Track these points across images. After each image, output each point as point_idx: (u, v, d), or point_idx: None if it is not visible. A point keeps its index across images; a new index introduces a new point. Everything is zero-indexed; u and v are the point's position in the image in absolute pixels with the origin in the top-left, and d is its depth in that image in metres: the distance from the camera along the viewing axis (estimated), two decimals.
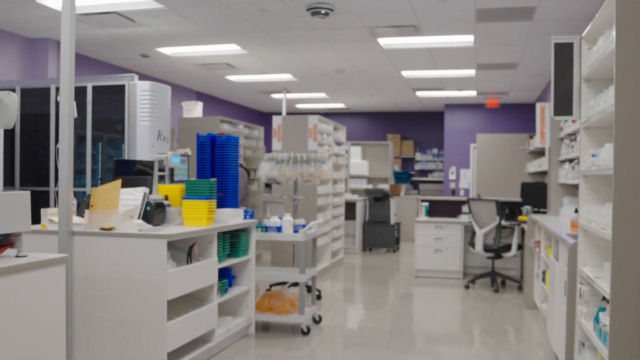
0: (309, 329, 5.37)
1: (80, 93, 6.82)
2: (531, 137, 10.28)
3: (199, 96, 13.05)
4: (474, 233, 7.87)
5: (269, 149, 12.50)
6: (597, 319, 3.06)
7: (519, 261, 8.60)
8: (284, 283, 6.85)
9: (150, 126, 6.58)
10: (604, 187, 3.40)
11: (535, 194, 8.18)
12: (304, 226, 5.51)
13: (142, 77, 9.74)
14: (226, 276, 4.96)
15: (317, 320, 5.77)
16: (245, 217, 5.28)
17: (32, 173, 7.02)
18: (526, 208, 8.03)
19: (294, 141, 8.29)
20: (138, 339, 3.89)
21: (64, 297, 2.95)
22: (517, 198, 9.22)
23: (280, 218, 5.52)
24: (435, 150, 16.39)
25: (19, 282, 2.70)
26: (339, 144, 9.81)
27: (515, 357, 4.91)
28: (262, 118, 16.49)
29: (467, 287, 7.84)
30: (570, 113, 3.59)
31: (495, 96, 13.28)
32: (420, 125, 16.54)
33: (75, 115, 4.19)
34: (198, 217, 4.49)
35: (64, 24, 4.01)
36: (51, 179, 6.88)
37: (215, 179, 4.89)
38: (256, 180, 9.90)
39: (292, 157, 6.55)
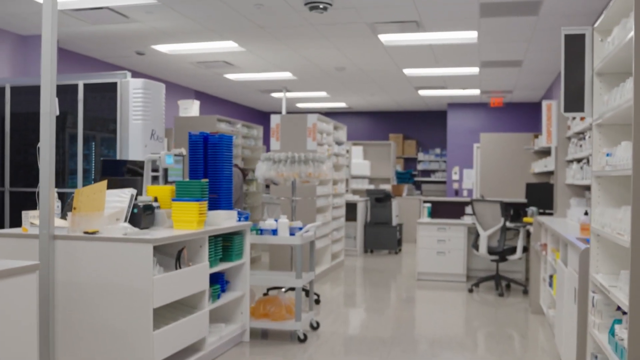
0: (305, 336, 5.15)
1: (71, 91, 6.63)
2: (536, 137, 10.05)
3: (198, 95, 12.85)
4: (477, 235, 7.64)
5: (269, 148, 12.28)
6: (612, 332, 2.84)
7: (524, 264, 8.37)
8: (281, 287, 6.63)
9: (143, 125, 6.37)
10: (620, 189, 3.17)
11: (541, 195, 7.95)
12: (300, 229, 5.29)
13: (139, 75, 9.55)
14: (219, 281, 4.74)
15: (314, 327, 5.55)
16: (239, 220, 5.06)
17: (23, 173, 6.81)
18: (531, 209, 7.81)
19: (292, 141, 8.07)
20: (123, 349, 3.67)
21: (35, 307, 2.73)
22: (522, 199, 8.99)
23: (276, 220, 5.30)
24: (438, 150, 16.17)
25: None
26: (339, 143, 9.59)
27: None
28: (263, 118, 16.27)
29: (470, 290, 7.61)
30: (581, 109, 3.36)
31: (499, 95, 13.05)
32: (422, 125, 16.31)
33: (57, 113, 3.98)
34: (188, 220, 4.27)
35: (45, 16, 3.80)
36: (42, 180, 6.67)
37: (207, 180, 4.67)
38: (255, 180, 9.68)
39: (290, 157, 6.34)
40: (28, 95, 6.74)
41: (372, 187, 13.01)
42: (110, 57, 9.35)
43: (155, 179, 6.16)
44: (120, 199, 4.25)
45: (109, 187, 4.32)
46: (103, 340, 3.70)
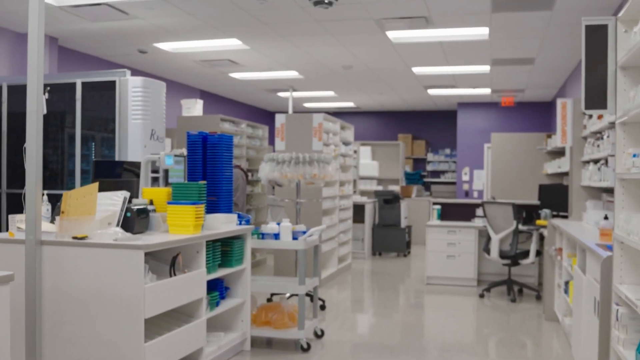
0: (309, 346, 4.92)
1: (69, 90, 6.45)
2: (549, 137, 9.76)
3: (203, 95, 12.65)
4: (489, 238, 7.39)
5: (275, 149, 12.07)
6: None
7: (537, 268, 8.11)
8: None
9: (142, 125, 6.18)
10: None
11: (555, 197, 7.68)
12: (304, 232, 5.06)
13: (143, 74, 9.36)
14: (217, 288, 4.52)
15: (319, 335, 5.32)
16: (240, 223, 4.84)
17: (20, 174, 6.61)
18: (544, 212, 7.55)
19: (298, 141, 7.84)
20: None
21: (7, 321, 2.52)
22: (535, 201, 8.72)
23: (279, 224, 5.07)
24: (447, 151, 15.90)
25: None
26: (346, 143, 9.35)
27: None
28: (270, 118, 16.04)
29: (481, 295, 7.35)
30: (603, 106, 3.11)
31: (510, 94, 12.76)
32: (432, 125, 16.04)
33: (45, 112, 3.77)
34: (184, 224, 4.05)
35: (31, 10, 3.58)
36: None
37: (205, 182, 4.45)
38: (259, 182, 9.46)
39: (294, 157, 6.10)
40: (24, 95, 6.54)
41: (380, 188, 12.78)
42: (112, 56, 9.16)
43: (155, 181, 5.97)
44: (113, 202, 4.04)
45: (102, 189, 4.12)
46: (92, 352, 3.48)
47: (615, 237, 3.10)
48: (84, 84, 6.35)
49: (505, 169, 10.68)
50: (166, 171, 6.63)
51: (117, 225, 3.92)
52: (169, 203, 4.13)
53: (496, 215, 7.28)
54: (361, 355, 4.99)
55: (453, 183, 15.46)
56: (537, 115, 13.90)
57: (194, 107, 8.51)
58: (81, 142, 6.40)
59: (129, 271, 3.45)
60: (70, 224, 3.68)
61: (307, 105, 14.91)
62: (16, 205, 6.43)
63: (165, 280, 3.69)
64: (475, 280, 7.98)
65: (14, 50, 7.74)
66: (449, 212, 8.80)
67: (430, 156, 15.99)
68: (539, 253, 7.33)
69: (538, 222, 7.57)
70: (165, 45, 8.44)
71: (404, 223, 10.89)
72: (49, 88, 6.48)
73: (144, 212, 4.10)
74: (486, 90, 12.36)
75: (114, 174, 4.72)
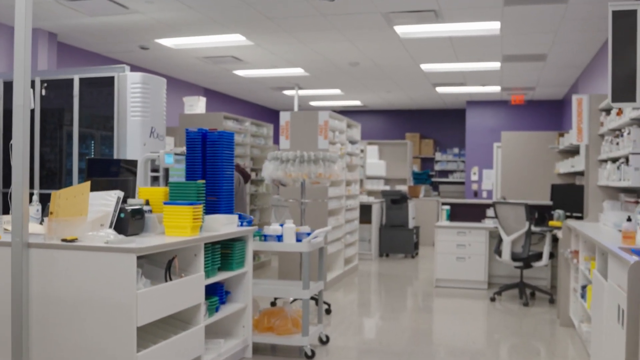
0: (313, 353, 4.69)
1: (67, 86, 6.25)
2: (561, 135, 9.50)
3: (207, 93, 12.45)
4: (500, 240, 7.14)
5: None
6: None
7: (549, 270, 7.86)
8: None
9: (142, 122, 5.98)
10: None
11: (568, 197, 7.43)
12: (308, 234, 4.83)
13: (145, 71, 9.14)
14: (217, 293, 4.30)
15: (324, 341, 5.09)
16: (241, 224, 4.62)
17: None
18: (558, 212, 7.29)
19: (303, 139, 7.61)
20: None
21: None
22: (546, 201, 8.46)
23: (282, 225, 4.85)
24: (456, 150, 15.65)
25: None
26: (353, 142, 9.12)
27: None
28: (275, 116, 15.84)
29: (492, 299, 7.10)
30: (632, 99, 2.88)
31: (520, 92, 12.50)
32: (440, 124, 15.79)
33: (32, 107, 3.56)
34: (181, 225, 3.83)
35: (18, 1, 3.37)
36: (35, 181, 6.30)
37: (204, 181, 4.24)
38: (264, 181, 9.25)
39: (299, 156, 5.89)
40: None
41: (387, 188, 12.55)
42: (113, 52, 8.97)
43: (155, 180, 5.76)
44: (106, 202, 3.82)
45: (96, 188, 3.91)
46: None
47: None
48: (81, 80, 6.16)
49: (516, 169, 10.42)
50: (166, 170, 6.42)
51: (110, 226, 3.70)
52: (165, 203, 3.92)
53: (508, 216, 7.04)
54: None
55: (462, 183, 15.21)
56: (547, 114, 13.63)
57: (197, 105, 8.30)
58: (79, 140, 6.20)
59: (120, 276, 3.23)
60: (60, 225, 3.46)
61: (313, 103, 14.69)
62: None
63: (160, 285, 3.47)
64: (485, 283, 7.73)
65: (12, 45, 7.54)
66: (458, 213, 8.54)
67: (438, 155, 15.74)
68: (552, 255, 7.08)
69: (551, 223, 7.32)
70: (167, 41, 8.24)
71: (411, 224, 10.65)
72: (45, 84, 6.30)
73: (139, 213, 3.88)
74: (496, 88, 12.10)
75: (109, 172, 4.51)
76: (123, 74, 5.99)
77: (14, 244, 3.34)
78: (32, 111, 6.29)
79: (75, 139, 6.18)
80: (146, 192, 4.24)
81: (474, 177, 14.12)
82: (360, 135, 9.49)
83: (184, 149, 5.51)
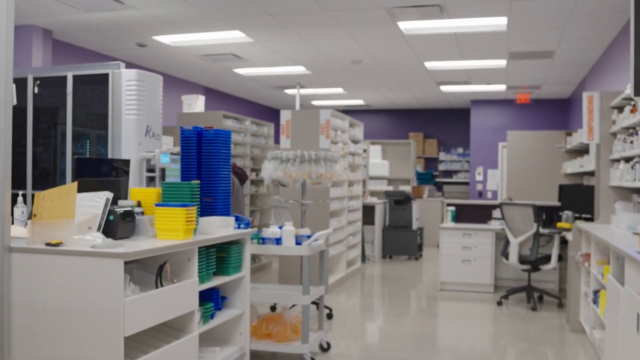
0: None
1: (60, 84, 6.06)
2: (569, 134, 9.30)
3: (207, 92, 12.25)
4: (507, 242, 6.93)
5: None
6: None
7: (557, 273, 7.64)
8: None
9: (137, 120, 5.77)
10: None
11: (577, 198, 7.22)
12: (308, 237, 4.63)
13: (144, 70, 8.95)
14: (212, 298, 4.10)
15: (324, 348, 4.89)
16: (238, 227, 4.42)
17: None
18: (566, 214, 7.08)
19: (304, 138, 7.41)
20: None
21: None
22: (553, 202, 8.25)
23: (281, 227, 4.65)
24: (460, 150, 15.43)
25: None
26: (355, 141, 8.92)
27: None
28: (276, 116, 15.64)
29: (499, 303, 6.90)
30: None
31: (526, 91, 12.28)
32: (444, 123, 15.58)
33: (14, 102, 3.37)
34: (173, 228, 3.63)
35: None
36: (28, 181, 6.11)
37: (198, 182, 4.04)
38: (264, 181, 9.05)
39: (299, 155, 5.68)
40: (16, 89, 6.17)
41: (391, 188, 12.36)
42: (111, 50, 8.78)
43: (152, 180, 5.57)
44: (95, 203, 3.63)
45: (84, 189, 3.71)
46: None
47: None
48: (75, 77, 5.96)
49: (522, 169, 10.21)
50: (163, 170, 6.23)
51: (99, 229, 3.51)
52: (157, 205, 3.71)
53: (515, 217, 6.83)
54: None
55: (466, 183, 14.99)
56: (553, 113, 13.41)
57: (195, 103, 8.11)
58: (74, 140, 6.01)
59: (106, 282, 3.03)
60: (44, 228, 3.27)
61: (315, 103, 14.49)
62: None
63: (150, 292, 3.27)
64: (492, 286, 7.52)
65: None
66: (464, 214, 8.33)
67: (442, 155, 15.53)
68: (560, 258, 6.87)
69: (559, 224, 7.11)
70: (165, 38, 8.04)
71: (415, 225, 10.45)
72: (38, 82, 6.11)
73: (129, 215, 3.68)
74: (501, 87, 11.89)
75: (99, 172, 4.31)
76: (118, 71, 5.79)
77: None
78: (25, 109, 6.12)
79: (68, 138, 5.98)
80: (138, 193, 4.05)
81: (479, 178, 13.91)
82: (362, 135, 9.29)
83: (179, 148, 5.31)
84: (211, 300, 4.08)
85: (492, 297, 7.26)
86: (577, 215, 7.04)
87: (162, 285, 3.45)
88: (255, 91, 12.95)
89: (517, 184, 10.26)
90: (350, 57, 9.17)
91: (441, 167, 15.57)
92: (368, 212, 9.87)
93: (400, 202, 10.44)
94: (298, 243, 4.61)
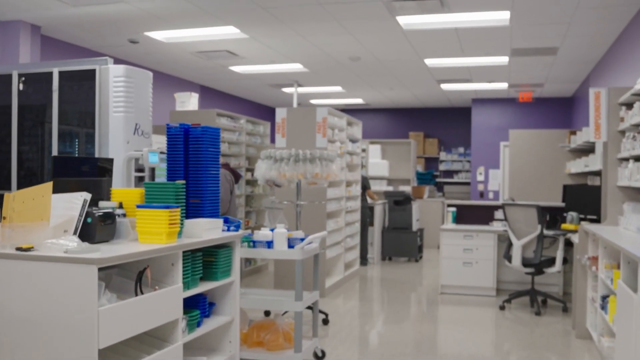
0: None
1: (46, 80, 5.83)
2: (573, 133, 9.07)
3: (204, 90, 12.03)
4: (510, 244, 6.70)
5: None
6: None
7: (562, 276, 7.41)
8: None
9: (125, 118, 5.54)
10: None
11: (582, 198, 6.99)
12: (302, 240, 4.40)
13: (138, 68, 8.73)
14: (199, 305, 3.87)
15: (319, 356, 4.66)
16: (228, 229, 4.19)
17: None
18: (571, 215, 6.85)
19: (300, 137, 7.18)
20: None
21: None
22: (557, 202, 8.02)
23: (272, 230, 4.43)
24: (461, 149, 15.20)
25: None
26: (353, 141, 8.68)
27: None
28: (274, 115, 15.43)
29: (502, 307, 6.66)
30: None
31: (528, 89, 12.04)
32: (445, 122, 15.35)
33: None
34: (155, 231, 3.40)
35: None
36: (13, 181, 5.89)
37: (183, 182, 3.81)
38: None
39: (294, 154, 5.45)
40: (3, 85, 5.96)
41: (390, 188, 12.13)
42: (102, 47, 8.54)
43: (141, 180, 5.36)
44: (72, 205, 3.40)
45: (64, 189, 3.49)
46: None
47: None
48: (61, 74, 5.73)
49: (524, 168, 9.97)
50: (153, 170, 6.01)
51: (75, 232, 3.28)
52: (138, 207, 3.49)
53: (518, 218, 6.60)
54: None
55: (467, 183, 14.76)
56: (556, 112, 13.18)
57: (189, 101, 7.88)
58: (62, 138, 5.79)
59: (79, 290, 2.81)
60: (14, 231, 3.04)
61: (314, 102, 14.26)
62: None
63: (128, 300, 3.04)
64: (494, 290, 7.29)
65: None
66: (465, 215, 8.09)
67: (443, 155, 15.29)
68: (565, 261, 6.64)
69: (564, 226, 6.88)
70: (158, 34, 7.81)
71: (415, 226, 10.22)
72: (23, 78, 5.89)
73: (109, 218, 3.45)
74: (503, 85, 11.66)
75: (79, 172, 4.08)
76: (105, 66, 5.57)
77: None
78: (10, 107, 5.90)
79: (54, 137, 5.75)
80: (120, 193, 3.82)
81: (480, 178, 13.68)
82: (361, 134, 9.06)
83: None
84: (198, 307, 3.85)
85: (494, 301, 7.03)
86: (582, 216, 6.81)
87: (142, 293, 3.22)
88: (252, 90, 12.73)
89: (520, 184, 10.02)
90: (349, 54, 8.94)
91: (442, 167, 15.34)
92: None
93: (400, 202, 10.22)
94: (291, 246, 4.38)
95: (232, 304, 4.16)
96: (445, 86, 11.85)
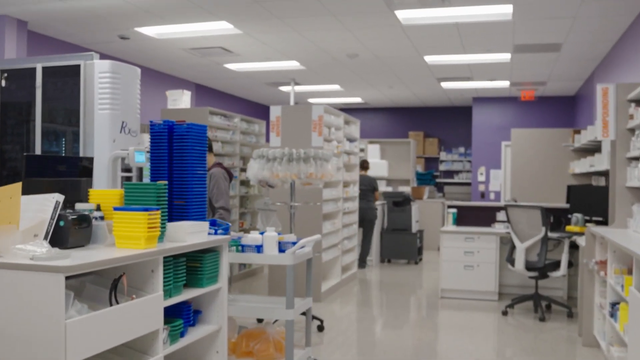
0: None
1: (30, 76, 5.59)
2: (577, 132, 8.82)
3: (199, 89, 11.79)
4: (513, 247, 6.45)
5: None
6: None
7: (566, 280, 7.16)
8: None
9: (111, 116, 5.29)
10: None
11: (587, 199, 6.75)
12: (294, 243, 4.15)
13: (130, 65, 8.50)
14: (182, 314, 3.62)
15: None
16: (215, 232, 3.95)
17: None
18: (576, 216, 6.61)
19: (295, 136, 6.94)
20: None
21: None
22: (561, 203, 7.77)
23: (262, 233, 4.18)
24: (462, 149, 14.96)
25: None
26: (351, 140, 8.44)
27: None
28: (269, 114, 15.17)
29: (504, 312, 6.41)
30: None
31: (530, 87, 11.80)
32: (445, 122, 15.11)
33: None
34: (133, 235, 3.15)
35: None
36: None
37: (165, 182, 3.56)
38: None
39: (287, 153, 5.21)
40: None
41: (389, 189, 11.89)
42: (92, 43, 8.30)
43: (128, 181, 5.13)
44: (44, 207, 3.15)
45: (36, 190, 3.25)
46: None
47: None
48: (45, 69, 5.49)
49: (526, 168, 9.73)
50: (141, 170, 5.76)
51: (46, 237, 3.03)
52: (115, 209, 3.24)
53: (521, 220, 6.35)
54: None
55: (468, 184, 14.51)
56: (558, 111, 12.93)
57: (181, 99, 7.62)
58: (47, 137, 5.54)
59: (45, 301, 2.56)
60: None
61: (312, 101, 14.01)
62: None
63: (100, 311, 2.79)
64: (496, 294, 7.04)
65: None
66: (466, 216, 7.84)
67: (443, 155, 15.05)
68: (570, 264, 6.39)
69: (568, 228, 6.64)
70: (148, 30, 7.57)
71: (415, 227, 9.98)
72: (5, 74, 5.65)
73: (84, 221, 3.20)
74: (504, 83, 11.41)
75: (55, 171, 3.83)
76: (90, 62, 5.32)
77: None
78: None
79: (38, 135, 5.51)
80: (98, 195, 3.57)
81: (481, 178, 13.44)
82: (359, 133, 8.81)
83: None
84: (181, 316, 3.60)
85: (496, 306, 6.78)
86: (587, 218, 6.57)
87: (117, 302, 2.98)
88: (249, 88, 12.48)
89: (522, 184, 9.77)
90: (346, 51, 8.70)
91: (442, 167, 15.10)
92: None
93: (399, 203, 9.97)
94: (282, 250, 4.14)
95: (220, 312, 3.91)
96: (445, 84, 11.60)
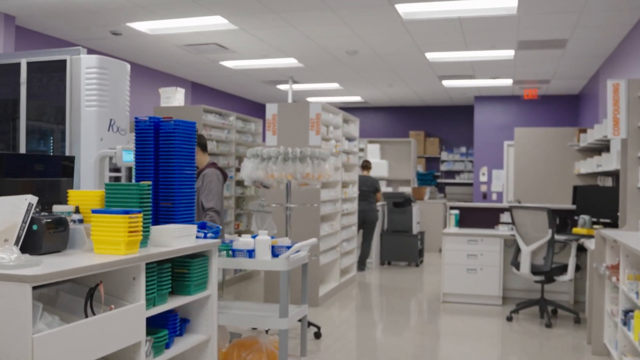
0: None
1: (14, 72, 5.36)
2: (582, 131, 8.58)
3: (195, 87, 11.56)
4: (518, 250, 6.21)
5: None
6: None
7: (572, 284, 6.92)
8: None
9: (98, 113, 5.06)
10: None
11: (594, 200, 6.51)
12: (288, 248, 3.91)
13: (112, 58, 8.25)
14: (168, 324, 3.38)
15: None
16: (204, 236, 3.71)
17: None
18: (583, 218, 6.37)
19: (292, 134, 6.70)
20: None
21: None
22: (566, 205, 7.53)
23: (254, 237, 3.94)
24: (463, 149, 14.72)
25: None
26: (350, 139, 8.20)
27: None
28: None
29: (509, 318, 6.17)
30: None
31: (533, 85, 11.56)
32: (446, 121, 14.87)
33: None
34: (112, 240, 2.92)
35: None
36: None
37: (149, 183, 3.32)
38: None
39: (282, 153, 4.97)
40: None
41: (390, 189, 11.64)
42: (83, 40, 8.05)
43: (117, 181, 4.92)
44: (17, 210, 2.92)
45: (11, 191, 3.02)
46: None
47: None
48: (30, 65, 5.25)
49: (530, 168, 9.48)
50: (130, 170, 5.51)
51: (17, 242, 2.80)
52: (93, 211, 3.00)
53: (526, 222, 6.11)
54: None
55: (469, 184, 14.28)
56: (562, 110, 12.70)
57: (174, 97, 7.39)
58: (33, 135, 5.31)
59: (10, 314, 2.32)
60: None
61: (311, 99, 13.78)
62: None
63: (73, 324, 2.55)
64: (500, 299, 6.80)
65: None
66: (468, 218, 7.59)
67: (444, 155, 14.82)
68: (578, 268, 6.15)
69: (575, 230, 6.40)
70: (141, 25, 7.33)
71: (416, 229, 9.74)
72: None
73: (60, 224, 2.96)
74: (507, 82, 11.17)
75: (32, 171, 3.59)
76: (77, 57, 5.09)
77: None
78: None
79: (22, 133, 5.27)
80: (77, 196, 3.33)
81: (483, 178, 13.21)
82: (358, 132, 8.57)
83: None
84: (167, 326, 3.36)
85: (500, 311, 6.54)
86: (594, 219, 6.33)
87: (93, 313, 2.74)
88: (246, 87, 12.25)
89: (525, 184, 9.53)
90: (345, 47, 8.46)
91: (443, 167, 14.86)
92: None
93: (399, 204, 9.74)
94: (276, 255, 3.90)
95: (209, 321, 3.67)
96: (446, 83, 11.36)
